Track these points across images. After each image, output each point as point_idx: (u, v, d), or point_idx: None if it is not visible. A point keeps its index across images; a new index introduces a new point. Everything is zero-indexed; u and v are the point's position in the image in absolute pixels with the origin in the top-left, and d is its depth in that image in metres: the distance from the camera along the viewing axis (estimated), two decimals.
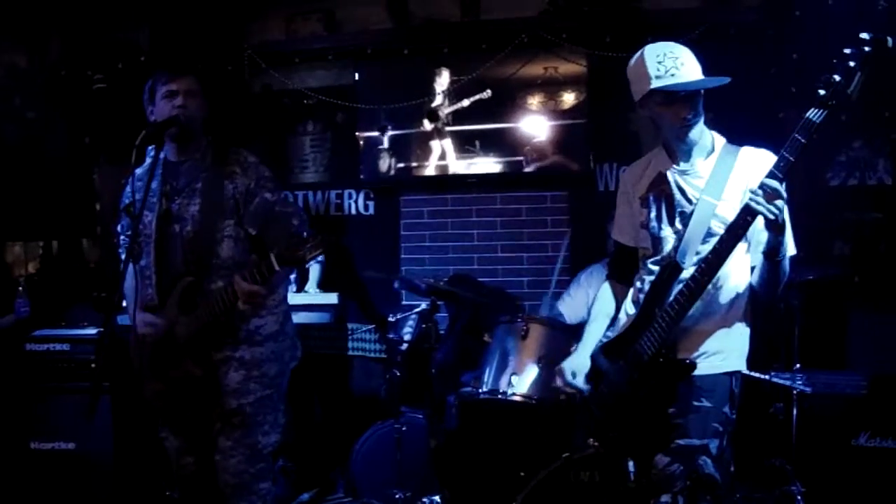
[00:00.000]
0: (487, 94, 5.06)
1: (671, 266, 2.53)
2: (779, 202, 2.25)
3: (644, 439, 2.53)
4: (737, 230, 2.36)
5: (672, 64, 2.47)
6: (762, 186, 2.25)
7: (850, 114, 4.51)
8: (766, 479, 3.69)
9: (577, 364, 2.78)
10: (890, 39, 2.15)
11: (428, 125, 5.16)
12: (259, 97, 5.53)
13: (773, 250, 2.37)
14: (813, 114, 2.21)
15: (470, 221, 5.27)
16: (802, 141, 2.22)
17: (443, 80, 5.15)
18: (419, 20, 5.26)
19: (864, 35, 2.15)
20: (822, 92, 2.20)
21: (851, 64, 2.16)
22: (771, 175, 2.25)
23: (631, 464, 2.63)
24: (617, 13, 4.89)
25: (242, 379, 2.94)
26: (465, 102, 5.10)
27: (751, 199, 2.27)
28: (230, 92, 5.31)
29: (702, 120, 2.55)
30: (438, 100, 5.14)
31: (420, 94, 5.16)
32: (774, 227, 2.31)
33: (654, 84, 2.47)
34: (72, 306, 4.66)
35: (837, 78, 2.18)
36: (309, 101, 5.43)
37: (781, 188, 2.24)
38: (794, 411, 3.64)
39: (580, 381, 2.76)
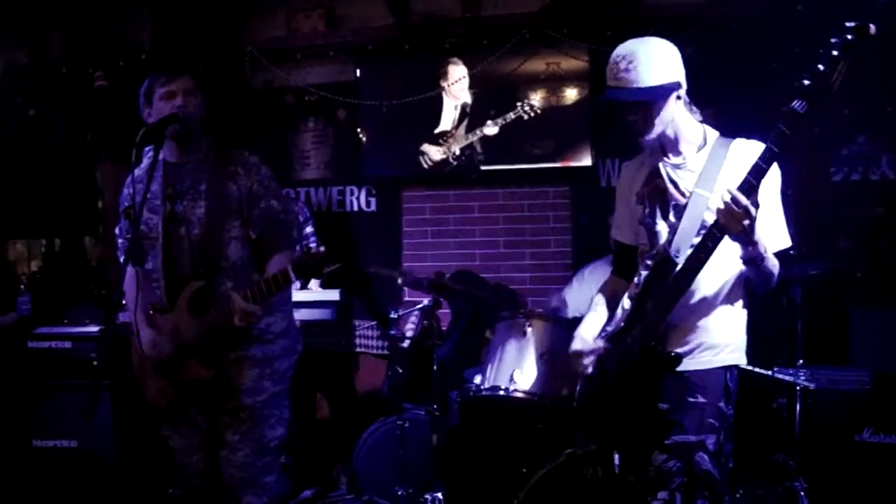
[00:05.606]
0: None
1: (665, 260, 2.51)
2: (745, 221, 2.19)
3: (635, 433, 2.52)
4: (706, 243, 2.33)
5: (624, 66, 2.45)
6: (727, 204, 2.20)
7: (853, 108, 4.51)
8: (769, 475, 3.68)
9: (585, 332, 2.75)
10: (873, 27, 2.13)
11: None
12: (260, 94, 5.53)
13: (749, 259, 2.35)
14: (797, 104, 2.19)
15: (472, 217, 5.27)
16: (786, 132, 2.20)
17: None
18: (420, 16, 5.26)
19: (849, 24, 2.14)
20: (806, 82, 2.18)
21: (835, 53, 2.15)
22: (754, 169, 2.23)
23: (617, 457, 2.62)
24: (618, 8, 4.89)
25: (256, 377, 2.94)
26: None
27: (717, 216, 2.24)
28: (231, 89, 5.31)
29: (655, 129, 2.49)
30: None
31: (421, 90, 5.16)
32: (741, 241, 2.28)
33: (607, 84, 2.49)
34: (73, 304, 4.65)
35: (822, 67, 2.16)
36: (310, 97, 5.43)
37: (748, 203, 2.18)
38: (798, 407, 3.62)
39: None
